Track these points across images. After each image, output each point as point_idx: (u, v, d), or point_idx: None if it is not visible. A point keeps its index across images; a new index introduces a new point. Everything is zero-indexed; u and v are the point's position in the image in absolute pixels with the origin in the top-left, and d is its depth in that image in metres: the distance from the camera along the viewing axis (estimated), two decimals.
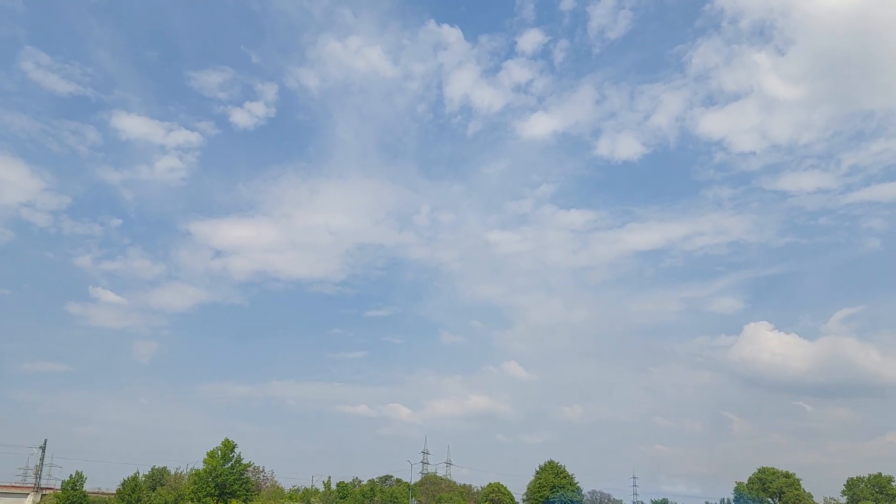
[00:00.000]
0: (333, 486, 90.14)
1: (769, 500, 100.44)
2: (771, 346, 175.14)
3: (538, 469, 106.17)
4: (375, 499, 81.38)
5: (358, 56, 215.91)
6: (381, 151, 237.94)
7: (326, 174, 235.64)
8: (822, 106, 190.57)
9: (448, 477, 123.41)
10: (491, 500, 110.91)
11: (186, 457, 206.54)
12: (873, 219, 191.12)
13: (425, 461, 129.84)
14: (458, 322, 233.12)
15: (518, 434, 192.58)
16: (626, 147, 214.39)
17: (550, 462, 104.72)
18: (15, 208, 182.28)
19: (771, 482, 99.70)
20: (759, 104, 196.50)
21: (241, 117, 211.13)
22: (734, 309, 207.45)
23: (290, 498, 70.98)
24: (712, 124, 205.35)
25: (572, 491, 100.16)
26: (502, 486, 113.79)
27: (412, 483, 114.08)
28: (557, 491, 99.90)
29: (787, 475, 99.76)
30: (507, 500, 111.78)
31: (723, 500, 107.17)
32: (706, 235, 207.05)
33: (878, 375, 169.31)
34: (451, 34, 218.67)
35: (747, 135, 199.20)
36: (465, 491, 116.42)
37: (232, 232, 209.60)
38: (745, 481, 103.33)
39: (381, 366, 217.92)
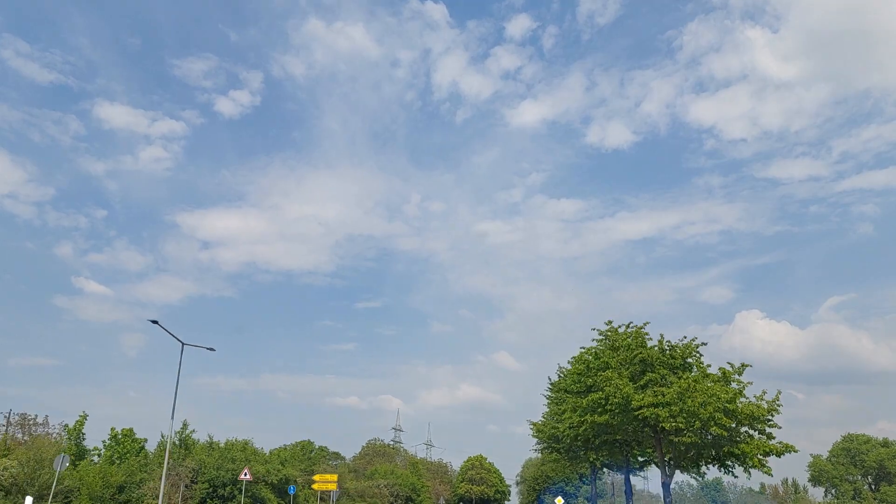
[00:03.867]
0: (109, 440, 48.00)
1: (859, 477, 72.93)
2: (762, 334, 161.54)
3: (569, 360, 37.88)
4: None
5: (344, 42, 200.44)
6: (370, 140, 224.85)
7: (314, 163, 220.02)
8: (815, 85, 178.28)
9: (428, 458, 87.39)
10: (469, 480, 74.20)
11: None
12: (864, 206, 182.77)
13: (397, 439, 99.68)
14: (449, 312, 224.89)
15: (509, 424, 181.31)
16: (616, 135, 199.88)
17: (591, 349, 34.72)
18: None
19: (865, 453, 72.17)
20: (750, 90, 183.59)
21: (227, 106, 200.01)
22: (725, 298, 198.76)
23: None
24: (703, 111, 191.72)
25: (672, 417, 25.10)
26: (483, 458, 77.57)
27: (350, 457, 74.47)
28: (631, 410, 26.19)
29: (886, 443, 72.77)
30: (494, 479, 75.65)
31: (785, 481, 78.51)
32: (697, 224, 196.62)
33: (870, 363, 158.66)
34: (436, 10, 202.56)
35: (738, 122, 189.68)
36: (438, 468, 78.72)
37: (219, 223, 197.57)
38: (825, 454, 75.55)
39: (372, 357, 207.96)
